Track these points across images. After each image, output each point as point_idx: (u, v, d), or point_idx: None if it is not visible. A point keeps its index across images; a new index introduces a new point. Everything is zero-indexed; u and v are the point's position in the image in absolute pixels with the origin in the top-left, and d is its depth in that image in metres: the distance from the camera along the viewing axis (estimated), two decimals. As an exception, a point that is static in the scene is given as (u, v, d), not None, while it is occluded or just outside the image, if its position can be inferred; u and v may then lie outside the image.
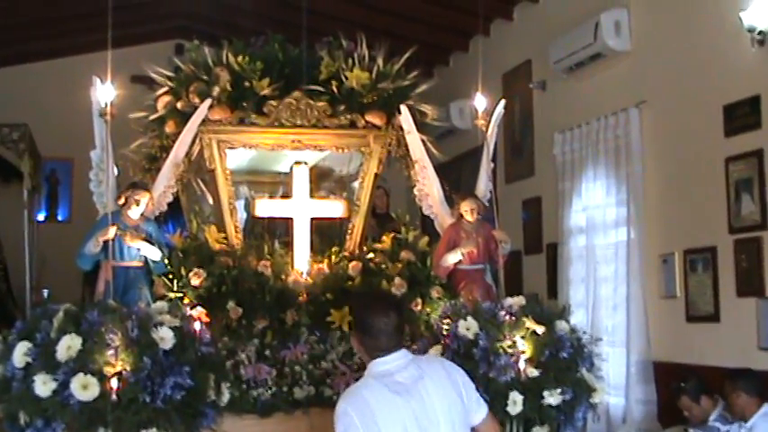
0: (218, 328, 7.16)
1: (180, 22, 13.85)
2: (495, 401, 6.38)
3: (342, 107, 8.04)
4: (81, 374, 5.65)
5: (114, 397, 5.70)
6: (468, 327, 6.56)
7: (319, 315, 7.65)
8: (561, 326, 6.75)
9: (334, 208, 8.36)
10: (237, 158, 8.22)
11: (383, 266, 7.92)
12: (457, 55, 13.22)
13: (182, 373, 5.84)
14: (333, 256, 7.96)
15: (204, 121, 7.76)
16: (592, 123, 9.39)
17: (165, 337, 5.89)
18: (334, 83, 8.02)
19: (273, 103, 7.90)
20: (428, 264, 8.03)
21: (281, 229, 8.30)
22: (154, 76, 8.08)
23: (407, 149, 8.21)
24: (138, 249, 7.32)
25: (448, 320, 6.75)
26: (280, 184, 8.76)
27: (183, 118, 7.80)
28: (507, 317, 6.67)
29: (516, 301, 6.84)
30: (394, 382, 3.97)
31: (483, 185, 8.20)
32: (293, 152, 8.16)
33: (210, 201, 8.35)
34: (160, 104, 8.03)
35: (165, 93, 8.02)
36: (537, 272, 10.65)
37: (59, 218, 14.01)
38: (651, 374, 8.59)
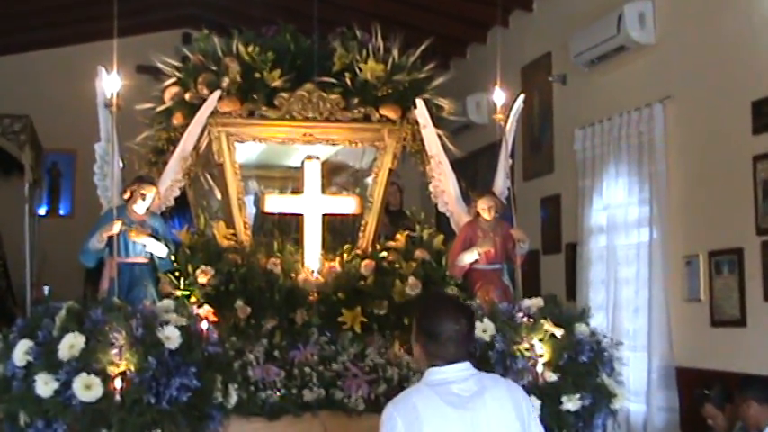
0: (225, 328, 7.16)
1: (187, 10, 13.88)
2: (512, 406, 6.39)
3: (355, 100, 8.03)
4: (84, 374, 5.69)
5: (118, 398, 5.74)
6: (485, 329, 6.58)
7: (330, 315, 7.64)
8: (581, 329, 6.77)
9: (346, 204, 8.36)
10: (247, 152, 8.21)
11: (397, 265, 7.91)
12: (474, 47, 13.23)
13: (188, 374, 5.87)
14: (345, 255, 7.95)
15: (213, 114, 7.75)
16: (614, 119, 9.39)
17: (171, 336, 5.92)
18: (347, 75, 8.00)
19: (285, 95, 7.89)
20: (443, 263, 8.02)
21: (291, 226, 8.29)
22: (161, 66, 8.07)
23: (423, 144, 8.20)
24: (144, 245, 7.32)
25: (463, 322, 6.76)
26: (290, 180, 8.74)
27: (191, 110, 7.79)
28: (525, 319, 6.69)
29: (534, 303, 6.86)
30: (449, 392, 3.84)
31: (501, 182, 8.20)
32: (305, 146, 8.14)
33: (219, 196, 8.35)
34: (167, 96, 8.02)
35: (173, 84, 8.01)
36: (555, 273, 10.65)
37: (61, 212, 14.07)
38: (674, 381, 8.59)
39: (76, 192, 13.72)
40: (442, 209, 8.33)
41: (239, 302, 7.40)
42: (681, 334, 8.60)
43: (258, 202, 8.33)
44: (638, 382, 8.78)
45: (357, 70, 8.01)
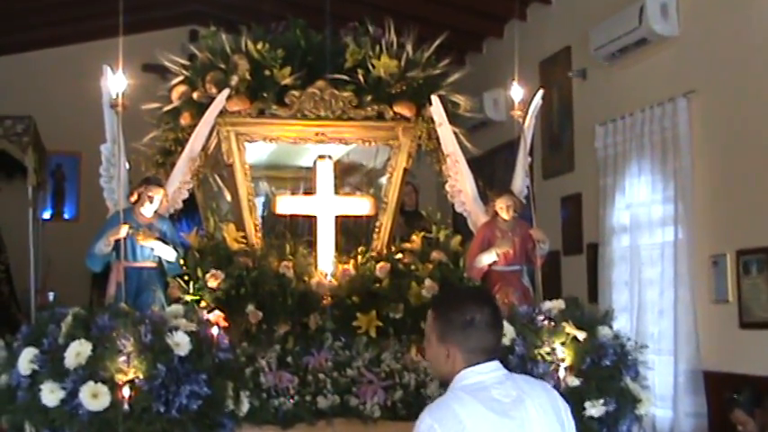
0: (236, 334, 7.18)
1: (194, 6, 13.91)
2: (533, 412, 6.39)
3: (368, 97, 8.04)
4: (91, 382, 5.69)
5: (126, 407, 5.74)
6: (504, 332, 6.57)
7: (345, 319, 7.66)
8: (604, 331, 6.75)
9: (360, 205, 8.37)
10: (257, 152, 8.23)
11: (413, 267, 7.92)
12: (491, 41, 13.22)
13: (198, 381, 5.87)
14: (359, 257, 7.97)
15: (222, 113, 7.78)
16: (636, 114, 9.37)
17: (181, 342, 5.92)
18: (360, 71, 8.02)
19: (295, 93, 7.91)
20: (461, 265, 8.03)
21: (303, 228, 8.31)
22: (167, 64, 8.11)
23: (438, 143, 8.21)
24: (152, 249, 7.35)
25: (483, 325, 6.76)
26: (302, 180, 8.76)
27: (200, 109, 7.83)
28: (546, 322, 6.68)
29: (555, 305, 6.84)
30: (490, 398, 3.52)
31: (519, 181, 8.20)
32: (316, 146, 8.17)
33: (228, 197, 8.38)
34: (174, 95, 8.05)
35: (180, 82, 8.05)
36: (577, 274, 10.64)
37: (66, 216, 14.10)
38: (701, 385, 8.56)
39: (81, 195, 13.76)
40: (458, 209, 8.34)
41: (250, 307, 7.43)
42: (708, 336, 8.57)
43: (269, 204, 8.36)
44: (664, 387, 8.75)
45: (370, 66, 8.03)
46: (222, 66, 7.87)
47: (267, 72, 7.83)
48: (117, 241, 7.11)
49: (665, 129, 8.94)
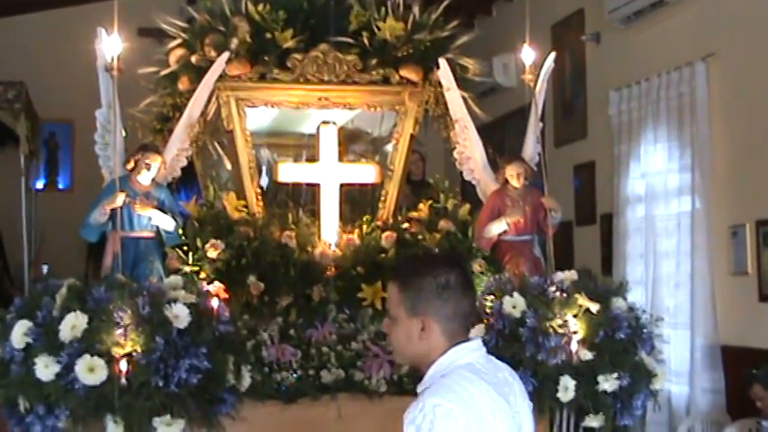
0: (237, 306, 7.18)
1: (192, -33, 13.87)
2: (544, 387, 6.43)
3: (374, 61, 8.02)
4: (87, 356, 5.73)
5: (123, 381, 5.78)
6: (515, 304, 6.59)
7: (349, 291, 7.65)
8: (618, 303, 6.77)
9: (365, 173, 8.35)
10: (258, 118, 8.21)
11: (420, 237, 7.92)
12: (500, 4, 13.18)
13: (198, 355, 5.90)
14: (364, 226, 7.96)
15: (221, 77, 7.75)
16: (652, 79, 9.35)
17: (180, 314, 5.95)
18: (365, 34, 7.99)
19: (298, 56, 7.88)
20: (470, 235, 8.03)
21: (306, 197, 8.30)
22: (164, 27, 8.08)
23: (446, 108, 8.19)
24: (150, 218, 7.35)
25: (492, 297, 6.79)
26: (305, 147, 8.74)
27: (198, 73, 7.80)
28: (558, 293, 6.70)
29: (568, 276, 6.85)
30: (490, 379, 3.35)
31: (530, 148, 8.20)
32: (320, 111, 8.15)
33: (228, 165, 8.38)
34: (172, 58, 8.03)
35: (178, 45, 8.02)
36: (590, 245, 10.64)
37: (60, 186, 14.08)
38: (719, 360, 8.57)
39: (76, 164, 13.72)
40: (467, 177, 8.34)
41: (252, 278, 7.43)
42: (726, 310, 8.57)
43: (271, 172, 8.34)
44: (680, 362, 8.77)
45: (375, 29, 8.00)
46: (222, 28, 7.84)
47: (268, 35, 7.80)
48: (113, 210, 7.11)
49: (682, 94, 8.91)
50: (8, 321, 6.02)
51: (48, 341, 5.80)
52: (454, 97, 8.09)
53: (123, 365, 5.77)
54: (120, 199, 7.06)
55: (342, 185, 8.11)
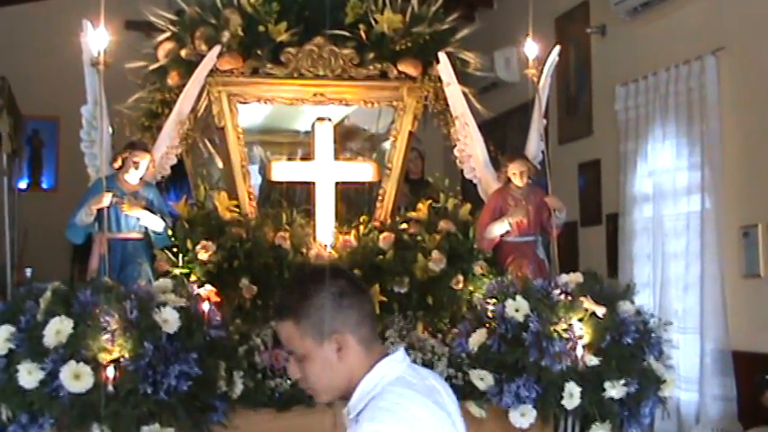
0: (229, 309, 7.18)
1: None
2: (549, 394, 6.43)
3: (371, 55, 8.02)
4: (72, 363, 5.71)
5: (110, 388, 5.76)
6: (518, 307, 6.58)
7: (345, 294, 7.65)
8: (625, 307, 6.76)
9: (361, 171, 8.36)
10: (251, 115, 8.22)
11: (419, 238, 7.92)
12: (502, -4, 13.21)
13: (188, 361, 5.89)
14: (361, 227, 7.96)
15: (212, 72, 7.75)
16: (660, 74, 9.35)
17: (169, 319, 5.94)
18: (361, 27, 7.99)
19: (292, 50, 7.88)
20: (471, 235, 8.02)
21: (301, 196, 8.32)
22: (153, 19, 8.07)
23: (446, 104, 8.19)
24: (138, 219, 7.33)
25: (494, 300, 6.78)
26: (299, 144, 8.77)
27: (188, 68, 7.80)
28: (562, 296, 6.69)
29: (572, 278, 6.85)
30: (424, 390, 3.25)
31: (534, 145, 8.19)
32: (315, 107, 8.15)
33: (220, 164, 8.38)
34: (161, 52, 8.02)
35: (167, 39, 8.02)
36: (595, 247, 10.64)
37: (44, 185, 14.06)
38: (730, 366, 8.56)
39: (61, 162, 13.70)
40: (468, 175, 8.33)
41: (244, 281, 7.43)
42: (737, 314, 8.57)
43: (264, 170, 8.35)
44: (689, 368, 8.76)
45: (372, 21, 8.00)
46: (212, 21, 7.83)
47: (261, 27, 7.80)
48: (99, 210, 7.09)
49: (691, 89, 8.92)
50: (-11, 327, 6.00)
51: (31, 347, 5.79)
52: (454, 93, 8.09)
53: (110, 372, 5.76)
54: (107, 199, 7.04)
55: (337, 184, 8.10)
